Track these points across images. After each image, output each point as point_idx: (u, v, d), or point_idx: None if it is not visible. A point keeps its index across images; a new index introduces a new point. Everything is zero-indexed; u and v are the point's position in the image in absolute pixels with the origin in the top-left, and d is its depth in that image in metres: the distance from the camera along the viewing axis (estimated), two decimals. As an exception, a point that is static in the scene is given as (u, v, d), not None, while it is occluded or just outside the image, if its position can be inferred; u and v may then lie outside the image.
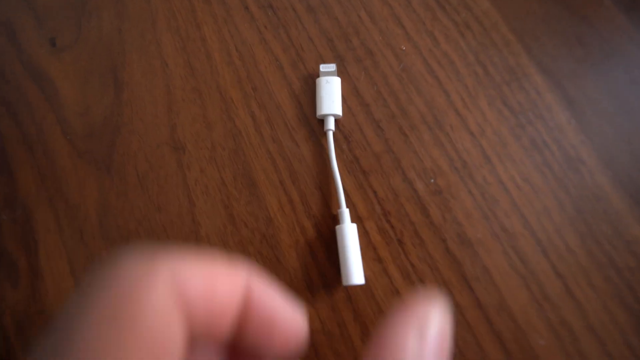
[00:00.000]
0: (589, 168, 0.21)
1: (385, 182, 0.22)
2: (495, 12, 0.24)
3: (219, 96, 0.25)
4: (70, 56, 0.27)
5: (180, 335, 0.11)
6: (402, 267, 0.21)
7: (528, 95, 0.22)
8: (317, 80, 0.23)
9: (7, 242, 0.25)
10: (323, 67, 0.22)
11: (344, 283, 0.19)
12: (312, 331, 0.21)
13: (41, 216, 0.25)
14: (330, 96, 0.22)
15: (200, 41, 0.26)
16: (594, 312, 0.19)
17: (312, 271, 0.21)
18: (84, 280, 0.11)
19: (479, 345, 0.20)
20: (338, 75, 0.23)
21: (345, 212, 0.20)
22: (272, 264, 0.22)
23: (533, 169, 0.21)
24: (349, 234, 0.20)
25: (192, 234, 0.23)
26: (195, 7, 0.27)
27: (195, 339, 0.13)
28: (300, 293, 0.21)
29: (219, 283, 0.12)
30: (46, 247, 0.25)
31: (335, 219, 0.22)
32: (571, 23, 0.23)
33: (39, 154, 0.26)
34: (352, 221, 0.21)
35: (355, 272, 0.19)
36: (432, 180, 0.22)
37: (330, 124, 0.22)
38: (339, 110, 0.22)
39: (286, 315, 0.13)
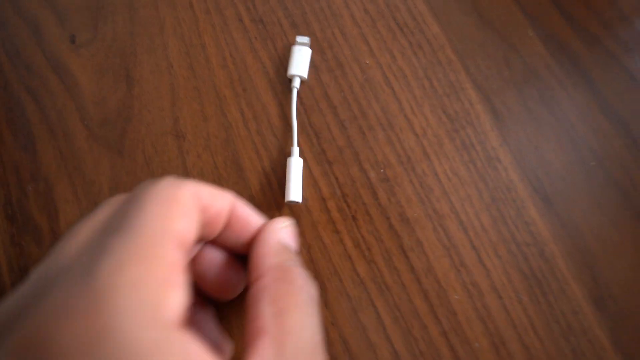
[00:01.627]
0: (504, 166, 0.27)
1: (345, 170, 0.28)
2: (442, 36, 0.30)
3: (214, 95, 0.30)
4: (88, 52, 0.32)
5: (199, 217, 0.18)
6: (354, 238, 0.27)
7: (463, 106, 0.28)
8: (292, 47, 0.28)
9: (32, 210, 0.30)
10: (299, 39, 0.28)
11: (285, 199, 0.26)
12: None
13: (61, 189, 0.30)
14: (299, 61, 0.28)
15: (200, 47, 0.31)
16: (497, 276, 0.26)
17: (284, 239, 0.27)
18: (134, 190, 0.19)
19: (411, 301, 0.26)
20: (313, 80, 0.29)
21: (296, 149, 0.27)
22: (252, 232, 0.28)
23: (461, 164, 0.27)
24: (295, 164, 0.26)
25: (189, 207, 0.29)
26: (198, 17, 0.32)
27: (201, 231, 0.20)
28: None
29: (216, 199, 0.20)
30: (65, 215, 0.30)
31: (306, 202, 0.27)
32: (502, 48, 0.29)
33: (59, 137, 0.31)
34: (314, 197, 0.27)
35: (295, 192, 0.26)
36: (382, 171, 0.27)
37: (296, 83, 0.28)
38: (304, 73, 0.28)
39: (256, 219, 0.22)
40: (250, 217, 0.22)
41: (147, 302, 0.13)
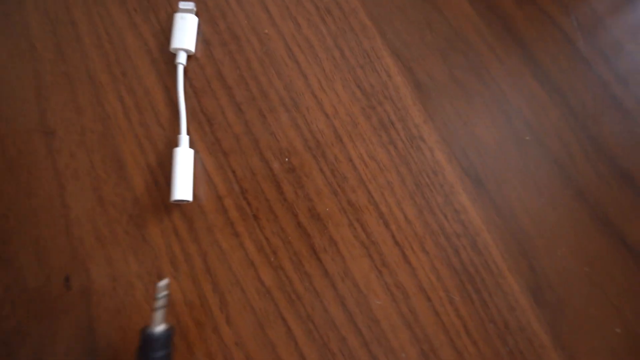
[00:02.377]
0: (429, 145, 0.23)
1: (243, 162, 0.23)
2: (355, -1, 0.25)
3: (88, 81, 0.25)
4: (-63, 39, 0.27)
5: None
6: (257, 240, 0.23)
7: (379, 78, 0.24)
8: (174, 15, 0.24)
9: None
10: (182, 5, 0.24)
11: (172, 198, 0.21)
12: (176, 303, 0.22)
13: None
14: (184, 32, 0.23)
15: (69, 24, 0.26)
16: (424, 274, 0.22)
17: (175, 247, 0.23)
18: None
19: (326, 310, 0.22)
20: (204, 58, 0.24)
21: (184, 138, 0.23)
22: (137, 242, 0.23)
23: (380, 146, 0.24)
24: (182, 156, 0.22)
25: (62, 217, 0.24)
26: (65, -11, 0.27)
27: None
28: (164, 269, 0.23)
29: None
30: None
31: (198, 201, 0.23)
32: (424, 10, 0.25)
33: None
34: (208, 195, 0.23)
35: (183, 189, 0.22)
36: (287, 160, 0.23)
37: (181, 58, 0.23)
38: (191, 46, 0.23)
39: None
40: None
41: None
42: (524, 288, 0.21)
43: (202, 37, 0.24)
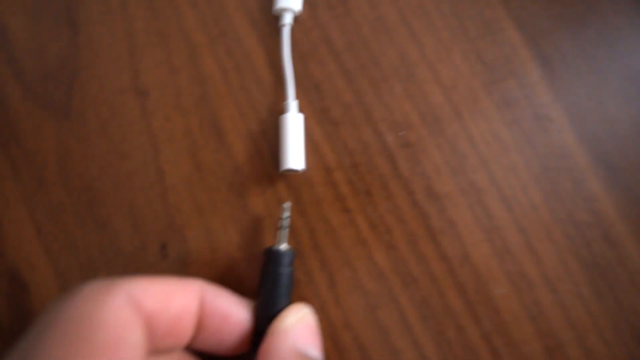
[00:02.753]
0: (558, 127, 0.22)
1: (355, 133, 0.22)
2: (475, -37, 0.24)
3: (183, 40, 0.24)
4: (23, -9, 0.26)
5: (140, 340, 0.13)
6: (369, 218, 0.21)
7: (502, 51, 0.23)
8: None
9: (-43, 188, 0.24)
10: None
11: (281, 168, 0.21)
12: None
13: (-5, 162, 0.24)
14: None
15: (165, -21, 0.25)
16: (551, 265, 0.21)
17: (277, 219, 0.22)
18: (47, 305, 0.13)
19: (443, 296, 0.21)
20: (309, 21, 0.23)
21: (292, 103, 0.21)
22: (239, 212, 0.22)
23: (503, 125, 0.22)
24: (293, 121, 0.21)
25: (157, 182, 0.23)
26: (161, -58, 0.25)
27: (159, 344, 0.15)
28: (267, 243, 0.22)
29: (173, 296, 0.15)
30: (3, 195, 0.24)
31: (305, 172, 0.22)
32: (551, -22, 0.23)
33: (-10, 97, 0.25)
34: (317, 167, 0.21)
35: (294, 157, 0.21)
36: (402, 133, 0.22)
37: (287, 19, 0.22)
38: (296, 5, 0.22)
39: (237, 312, 0.17)
40: (229, 309, 0.17)
41: None
42: (665, 285, 0.19)
43: (308, -2, 0.23)
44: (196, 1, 0.25)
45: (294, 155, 0.21)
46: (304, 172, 0.22)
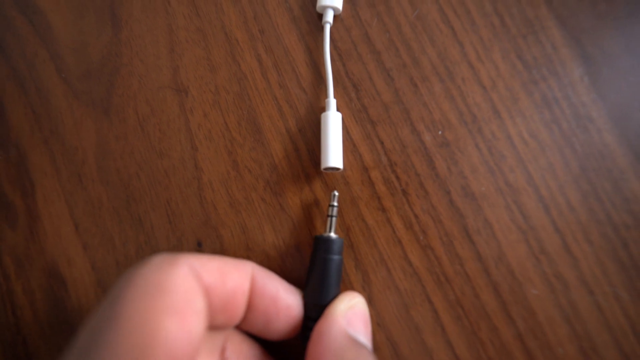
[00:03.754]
0: (598, 127, 0.23)
1: (392, 132, 0.24)
2: (517, -40, 0.25)
3: (224, 37, 0.26)
4: (62, -12, 0.28)
5: (203, 308, 0.16)
6: (405, 217, 0.23)
7: (544, 50, 0.24)
8: None
9: (2, 183, 0.27)
10: None
11: (322, 166, 0.24)
12: (314, 277, 0.23)
13: (36, 158, 0.27)
14: None
15: (204, -23, 0.27)
16: (588, 267, 0.22)
17: (316, 219, 0.24)
18: (121, 276, 0.16)
19: (477, 296, 0.23)
20: (349, 19, 0.25)
21: (332, 102, 0.24)
22: (275, 211, 0.24)
23: (542, 125, 0.24)
24: (333, 120, 0.24)
25: (194, 180, 0.25)
26: (198, -61, 0.27)
27: (214, 319, 0.18)
28: (303, 240, 0.24)
29: (228, 274, 0.18)
30: (43, 190, 0.27)
31: (342, 172, 0.24)
32: (595, -25, 0.25)
33: (31, 93, 0.28)
34: (354, 166, 0.23)
35: (335, 156, 0.23)
36: (440, 133, 0.24)
37: (329, 17, 0.25)
38: (338, 3, 0.25)
39: (285, 295, 0.19)
40: (278, 292, 0.20)
41: None
42: None
43: (348, -4, 0.25)
44: (233, -2, 0.27)
45: (334, 154, 0.23)
46: (341, 171, 0.24)
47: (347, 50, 0.26)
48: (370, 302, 0.24)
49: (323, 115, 0.24)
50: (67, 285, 0.26)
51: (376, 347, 0.24)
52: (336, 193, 0.22)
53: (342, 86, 0.26)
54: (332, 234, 0.22)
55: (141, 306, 0.14)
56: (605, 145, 0.24)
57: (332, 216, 0.22)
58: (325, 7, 0.25)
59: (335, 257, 0.21)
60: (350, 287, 0.24)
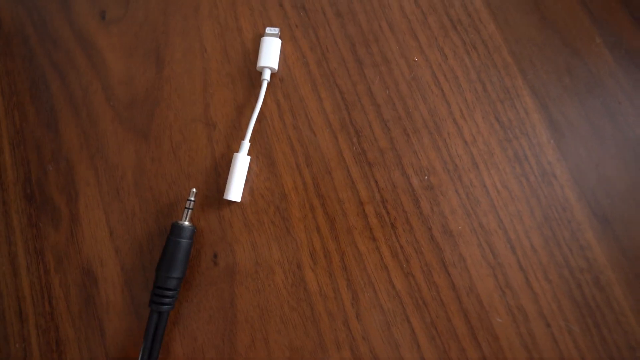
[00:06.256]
0: (560, 182, 0.25)
1: (386, 174, 0.26)
2: (499, 36, 0.28)
3: (249, 82, 0.29)
4: (118, 30, 0.31)
5: None
6: (392, 247, 0.25)
7: (518, 114, 0.27)
8: (261, 39, 0.29)
9: (52, 189, 0.29)
10: (268, 30, 0.29)
11: (225, 197, 0.27)
12: (311, 292, 0.25)
13: (82, 171, 0.29)
14: (269, 52, 0.28)
15: (236, 31, 0.30)
16: (546, 302, 0.24)
17: (316, 243, 0.26)
18: None
19: (449, 320, 0.24)
20: (356, 76, 0.27)
21: (245, 145, 0.27)
22: (281, 233, 0.26)
23: (513, 177, 0.26)
24: (241, 161, 0.27)
25: (216, 201, 0.27)
26: (235, -1, 0.30)
27: None
28: (304, 261, 0.26)
29: None
30: (85, 198, 0.29)
31: (342, 204, 0.26)
32: (564, 53, 0.27)
33: (83, 116, 0.30)
34: (352, 200, 0.25)
35: (235, 190, 0.27)
36: (426, 177, 0.26)
37: (266, 75, 0.29)
38: (274, 64, 0.29)
39: None
40: None
41: None
42: (644, 329, 0.22)
43: (355, 56, 0.27)
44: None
45: (236, 190, 0.27)
46: (341, 204, 0.26)
47: (352, 102, 0.28)
48: (358, 318, 0.26)
49: (235, 155, 0.27)
50: (98, 283, 0.28)
51: (359, 358, 0.25)
52: (194, 190, 0.26)
53: (346, 132, 0.28)
54: (186, 223, 0.26)
55: None
56: (566, 199, 0.26)
57: (188, 208, 0.26)
58: (263, 67, 0.28)
59: (184, 240, 0.25)
60: (341, 304, 0.26)
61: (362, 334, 0.25)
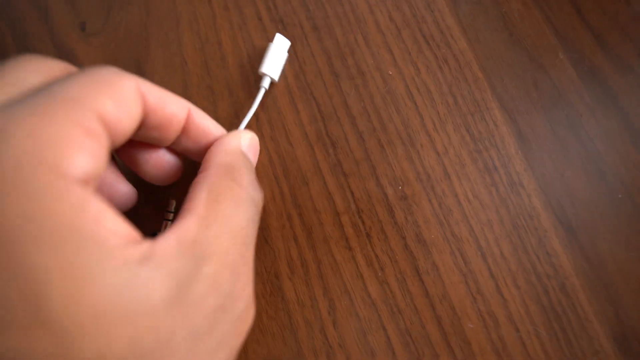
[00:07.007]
0: (528, 192, 0.26)
1: (361, 184, 0.26)
2: (469, 52, 0.28)
3: (228, 95, 0.29)
4: (98, 41, 0.31)
5: (138, 113, 0.18)
6: (367, 256, 0.25)
7: (487, 126, 0.27)
8: (269, 44, 0.28)
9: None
10: (279, 36, 0.28)
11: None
12: (289, 301, 0.25)
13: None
14: (274, 61, 0.28)
15: (217, 44, 0.30)
16: (515, 307, 0.24)
17: (293, 252, 0.26)
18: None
19: (423, 327, 0.25)
20: (332, 88, 0.27)
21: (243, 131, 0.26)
22: (260, 242, 0.26)
23: (483, 187, 0.26)
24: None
25: (194, 211, 0.27)
26: (215, 13, 0.30)
27: (146, 132, 0.19)
28: (281, 270, 0.26)
29: (169, 102, 0.19)
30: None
31: (318, 214, 0.26)
32: (531, 69, 0.28)
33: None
34: (328, 210, 0.25)
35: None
36: (400, 187, 0.26)
37: (265, 83, 0.27)
38: (276, 75, 0.28)
39: (216, 128, 0.22)
40: (210, 126, 0.22)
41: (43, 152, 0.11)
42: (609, 334, 0.23)
43: (332, 69, 0.27)
44: (242, 63, 0.30)
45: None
46: (317, 214, 0.26)
47: (329, 114, 0.29)
48: (334, 326, 0.26)
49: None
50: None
51: (336, 366, 0.25)
52: (174, 202, 0.26)
53: (322, 143, 0.28)
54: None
55: (91, 85, 0.15)
56: (533, 208, 0.27)
57: (168, 220, 0.25)
58: (264, 74, 0.27)
59: None
60: (318, 312, 0.26)
61: (338, 341, 0.25)
